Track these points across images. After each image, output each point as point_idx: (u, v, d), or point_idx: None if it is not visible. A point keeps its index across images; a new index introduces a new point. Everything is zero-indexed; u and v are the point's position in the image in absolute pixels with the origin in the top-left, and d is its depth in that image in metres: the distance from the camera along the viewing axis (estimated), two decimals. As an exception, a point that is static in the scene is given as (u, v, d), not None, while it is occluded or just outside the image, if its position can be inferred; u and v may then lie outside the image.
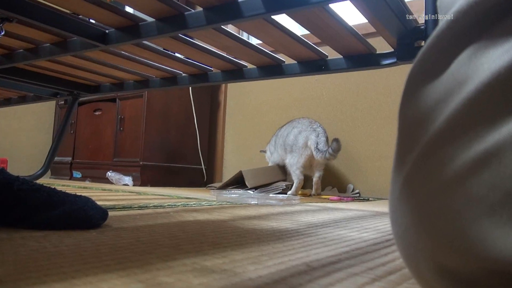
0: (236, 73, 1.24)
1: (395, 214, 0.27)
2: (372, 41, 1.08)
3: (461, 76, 0.23)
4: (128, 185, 2.26)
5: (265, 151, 2.23)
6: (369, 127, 2.08)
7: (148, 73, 1.40)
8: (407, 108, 0.26)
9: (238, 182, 2.02)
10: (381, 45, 1.14)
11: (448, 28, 0.24)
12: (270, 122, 2.47)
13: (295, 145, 1.93)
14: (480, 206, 0.20)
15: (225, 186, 2.04)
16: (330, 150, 1.78)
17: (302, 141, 1.90)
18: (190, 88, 2.52)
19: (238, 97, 2.66)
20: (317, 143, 1.84)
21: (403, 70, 1.89)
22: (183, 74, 1.37)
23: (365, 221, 0.88)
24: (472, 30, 0.23)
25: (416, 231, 0.25)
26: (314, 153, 1.83)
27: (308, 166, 1.90)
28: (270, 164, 2.14)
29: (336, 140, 1.79)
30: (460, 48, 0.23)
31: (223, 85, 2.70)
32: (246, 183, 1.90)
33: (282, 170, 2.01)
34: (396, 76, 2.02)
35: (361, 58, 1.05)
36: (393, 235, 0.29)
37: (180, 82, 1.37)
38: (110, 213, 0.77)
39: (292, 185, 1.90)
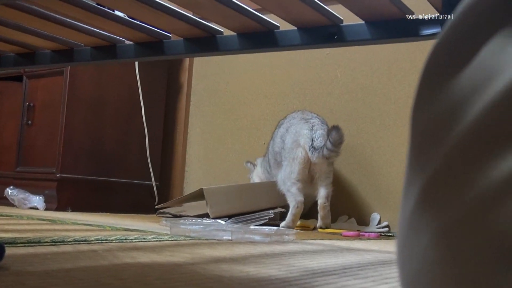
0: (207, 43, 1.25)
1: (405, 249, 0.29)
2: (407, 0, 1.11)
3: (492, 67, 0.25)
4: (38, 208, 2.24)
5: (254, 165, 2.24)
6: (406, 127, 2.10)
7: (74, 39, 1.40)
8: (423, 110, 0.29)
9: (198, 203, 2.03)
10: (420, 6, 1.17)
11: (475, 4, 0.26)
12: (258, 117, 2.48)
13: (283, 150, 1.95)
14: None
15: (176, 204, 2.05)
16: (328, 143, 1.81)
17: (292, 140, 1.92)
18: (137, 64, 2.52)
19: (209, 79, 2.67)
20: (312, 140, 1.87)
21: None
22: (127, 42, 1.38)
23: (388, 267, 0.89)
24: (506, 8, 0.25)
25: (436, 271, 0.27)
26: (309, 153, 1.86)
27: (308, 178, 1.92)
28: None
29: (335, 128, 1.82)
30: (491, 31, 0.26)
31: (187, 60, 2.70)
32: (208, 211, 1.90)
33: (274, 191, 2.02)
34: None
35: (391, 24, 1.07)
36: (401, 282, 0.30)
37: (122, 54, 1.37)
38: (9, 250, 0.77)
39: (286, 213, 1.92)
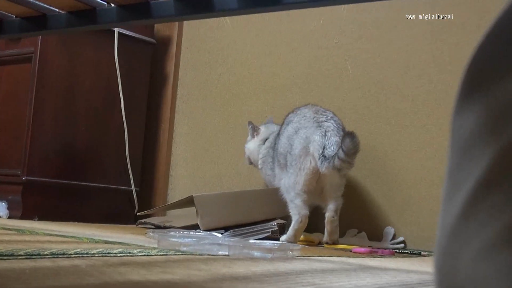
0: (201, 2, 1.25)
1: (450, 259, 0.30)
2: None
3: None
4: (0, 216, 2.23)
5: (257, 130, 2.22)
6: (426, 128, 2.10)
7: (47, 3, 1.39)
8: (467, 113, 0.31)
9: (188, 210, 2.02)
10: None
11: None
12: (254, 114, 2.47)
13: (290, 154, 1.93)
14: None
15: (161, 212, 2.03)
16: (340, 152, 1.78)
17: (301, 147, 1.90)
18: (116, 51, 2.51)
19: (199, 69, 2.66)
20: (323, 147, 1.85)
21: (477, 31, 1.91)
22: (109, 5, 1.38)
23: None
24: None
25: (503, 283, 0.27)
26: (318, 162, 1.84)
27: (317, 189, 1.91)
28: (247, 156, 2.18)
29: (349, 134, 1.79)
30: None
31: (174, 47, 2.71)
32: (198, 222, 1.89)
33: (273, 199, 2.01)
34: (470, 40, 2.03)
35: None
36: None
37: (103, 19, 1.37)
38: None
39: (289, 225, 1.90)
